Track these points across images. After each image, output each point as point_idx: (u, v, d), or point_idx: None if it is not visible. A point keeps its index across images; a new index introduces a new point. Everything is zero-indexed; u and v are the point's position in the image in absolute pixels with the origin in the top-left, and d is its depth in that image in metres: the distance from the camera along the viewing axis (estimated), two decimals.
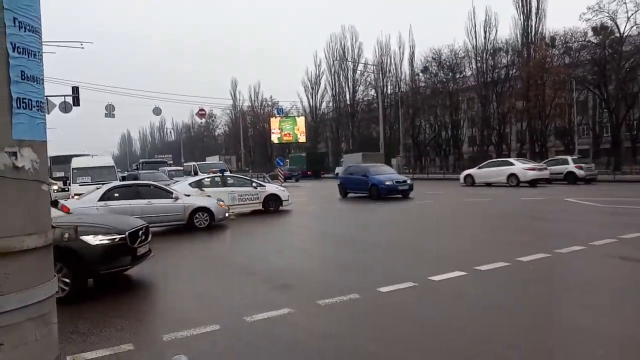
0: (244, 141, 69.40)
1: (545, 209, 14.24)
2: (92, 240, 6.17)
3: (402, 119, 52.52)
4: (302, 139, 62.85)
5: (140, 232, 6.88)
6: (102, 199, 11.99)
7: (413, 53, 57.28)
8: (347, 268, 7.58)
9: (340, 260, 8.32)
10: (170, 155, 66.10)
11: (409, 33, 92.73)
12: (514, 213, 13.77)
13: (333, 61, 64.22)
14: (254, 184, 16.67)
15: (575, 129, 38.30)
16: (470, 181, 26.71)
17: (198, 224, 12.76)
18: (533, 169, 24.67)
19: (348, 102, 64.94)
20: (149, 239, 7.22)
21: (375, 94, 57.09)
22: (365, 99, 62.17)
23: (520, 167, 24.75)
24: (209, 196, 14.12)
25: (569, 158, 26.90)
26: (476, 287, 6.07)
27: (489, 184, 25.56)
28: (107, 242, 6.27)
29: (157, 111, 44.87)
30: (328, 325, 4.87)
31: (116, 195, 12.27)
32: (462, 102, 52.49)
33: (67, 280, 5.88)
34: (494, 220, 12.60)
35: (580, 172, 25.13)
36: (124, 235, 6.46)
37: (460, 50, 49.40)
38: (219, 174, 17.72)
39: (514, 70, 46.94)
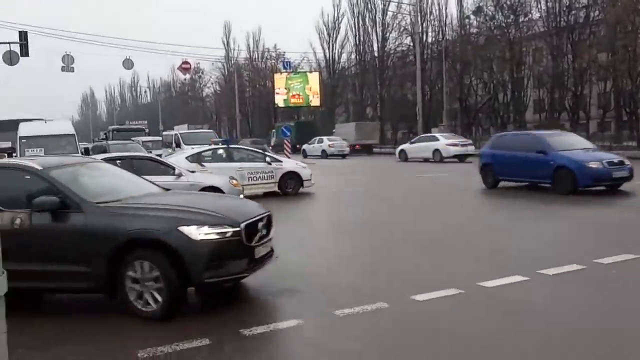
0: (240, 104, 69.47)
1: (630, 194, 14.08)
2: (196, 233, 5.51)
3: (446, 77, 51.95)
4: (315, 101, 62.73)
5: (260, 224, 6.14)
6: None
7: None
8: (376, 268, 7.62)
9: (366, 258, 8.36)
10: (145, 122, 66.43)
11: None
12: (590, 200, 13.64)
13: None
14: (267, 159, 16.81)
15: None
16: (404, 157, 33.24)
17: None
18: (455, 145, 30.83)
19: (376, 54, 64.40)
20: (272, 233, 6.51)
21: (411, 43, 56.43)
22: (398, 49, 61.53)
23: (444, 142, 30.78)
24: (210, 173, 14.40)
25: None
26: (541, 297, 6.07)
27: (426, 160, 31.07)
28: (215, 237, 5.57)
29: (128, 64, 45.09)
30: (345, 341, 4.92)
31: None
32: (527, 55, 51.65)
33: (160, 287, 5.40)
34: (564, 208, 12.51)
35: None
36: (238, 229, 5.71)
37: None
38: (223, 146, 17.90)
39: (597, 12, 45.93)
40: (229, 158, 16.60)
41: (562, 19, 47.45)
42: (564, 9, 47.50)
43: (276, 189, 16.38)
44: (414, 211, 13.58)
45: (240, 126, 71.75)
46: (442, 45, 53.62)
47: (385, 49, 62.76)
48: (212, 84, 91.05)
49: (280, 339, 5.00)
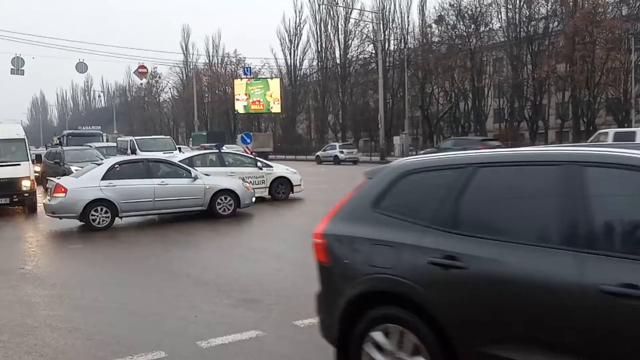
0: (198, 110, 68.90)
1: None
2: None
3: (408, 85, 52.64)
4: (276, 108, 62.75)
5: None
6: (106, 177, 12.48)
7: None
8: None
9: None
10: (99, 127, 65.21)
11: None
12: None
13: (319, 5, 63.96)
14: (258, 164, 17.16)
15: (633, 101, 38.85)
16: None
17: (221, 211, 13.42)
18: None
19: (338, 61, 64.87)
20: None
21: (374, 51, 57.06)
22: (360, 57, 62.13)
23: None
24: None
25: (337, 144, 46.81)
26: None
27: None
28: None
29: (81, 67, 44.36)
30: (306, 352, 4.92)
31: (123, 173, 12.86)
32: (488, 64, 52.73)
33: None
34: None
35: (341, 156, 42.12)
36: None
37: None
38: (214, 150, 18.24)
39: (556, 24, 47.29)
40: (220, 163, 16.72)
41: (522, 30, 48.72)
42: (524, 19, 48.79)
43: (267, 194, 16.65)
44: None
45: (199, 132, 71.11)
46: (404, 54, 54.32)
47: (348, 56, 63.31)
48: (169, 89, 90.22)
49: (239, 351, 4.96)
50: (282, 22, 76.11)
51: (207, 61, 79.88)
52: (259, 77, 66.22)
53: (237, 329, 5.41)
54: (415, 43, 57.34)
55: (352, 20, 61.72)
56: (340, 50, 64.35)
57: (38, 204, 15.25)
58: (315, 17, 65.55)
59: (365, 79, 60.63)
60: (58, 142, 41.25)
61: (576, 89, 42.62)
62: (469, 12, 49.65)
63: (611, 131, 27.02)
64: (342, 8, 62.31)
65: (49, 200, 12.48)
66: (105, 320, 6.02)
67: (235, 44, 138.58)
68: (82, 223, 12.38)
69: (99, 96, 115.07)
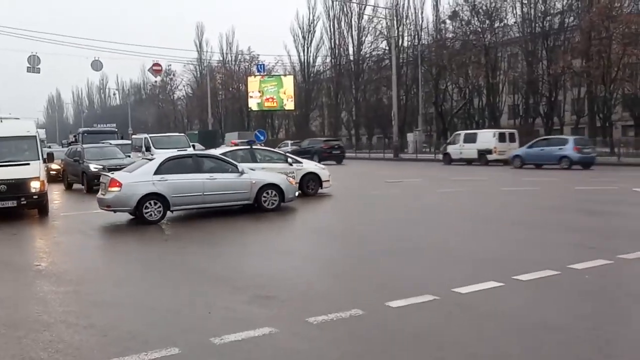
0: (212, 107, 69.14)
1: (603, 200, 14.39)
2: None
3: (422, 81, 52.45)
4: (289, 105, 62.81)
5: None
6: (158, 172, 13.00)
7: None
8: (350, 273, 7.64)
9: (338, 263, 8.40)
10: (114, 125, 65.63)
11: None
12: (562, 205, 13.90)
13: (333, 2, 63.99)
14: (289, 160, 17.73)
15: None
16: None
17: (267, 205, 13.94)
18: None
19: (351, 58, 64.79)
20: None
21: (387, 48, 56.86)
22: (374, 53, 62.04)
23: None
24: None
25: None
26: (515, 303, 6.14)
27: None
28: None
29: (96, 65, 44.63)
30: (319, 349, 4.92)
31: (174, 167, 13.33)
32: (502, 60, 52.44)
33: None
34: (539, 213, 12.73)
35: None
36: None
37: None
38: (247, 147, 18.71)
39: (571, 19, 46.85)
40: (253, 158, 17.22)
41: (537, 25, 48.31)
42: (539, 14, 48.37)
43: (297, 189, 16.87)
44: (396, 216, 13.67)
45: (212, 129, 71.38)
46: (417, 50, 54.14)
47: (361, 52, 63.26)
48: (183, 86, 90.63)
49: (253, 348, 4.97)
50: (296, 19, 76.06)
51: (221, 58, 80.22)
52: (272, 74, 66.32)
53: (250, 325, 5.42)
54: (429, 39, 57.19)
55: (365, 17, 61.73)
56: (353, 47, 64.37)
57: (51, 205, 14.93)
58: (329, 14, 65.63)
59: (378, 75, 60.54)
60: (74, 139, 41.52)
61: (592, 85, 42.22)
62: (484, 8, 49.41)
63: (462, 132, 36.59)
64: (355, 4, 62.21)
65: (103, 194, 12.86)
66: (120, 316, 6.06)
67: (248, 42, 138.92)
68: (106, 219, 12.45)
69: (114, 94, 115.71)
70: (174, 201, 12.91)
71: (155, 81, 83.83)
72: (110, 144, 28.03)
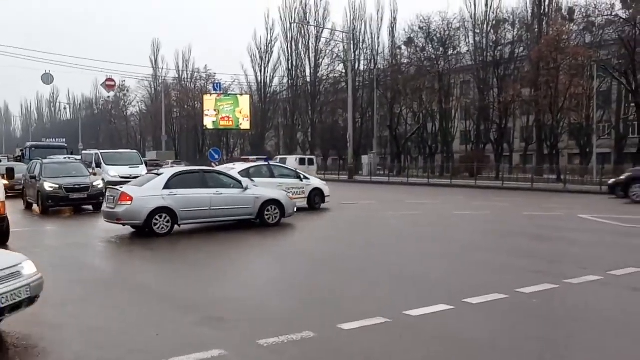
0: (166, 125, 68.34)
1: (550, 226, 14.78)
2: None
3: (377, 105, 53.13)
4: (245, 124, 62.60)
5: None
6: (167, 186, 13.38)
7: (395, 19, 58.38)
8: (305, 296, 7.59)
9: (297, 285, 8.34)
10: (64, 140, 64.05)
11: None
12: (511, 230, 14.21)
13: (290, 24, 64.50)
14: (300, 176, 19.32)
15: (595, 126, 39.82)
16: None
17: (269, 220, 14.56)
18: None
19: (308, 79, 65.24)
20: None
21: (344, 71, 57.55)
22: (330, 75, 62.64)
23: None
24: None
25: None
26: (465, 325, 6.21)
27: None
28: None
29: (47, 79, 43.70)
30: None
31: (182, 182, 13.77)
32: (455, 87, 53.70)
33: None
34: (489, 238, 12.97)
35: None
36: None
37: (455, 19, 50.83)
38: (264, 163, 20.08)
39: (521, 49, 48.47)
40: (271, 174, 18.72)
41: (488, 54, 49.76)
42: (491, 44, 49.88)
43: (306, 204, 18.56)
44: (350, 234, 13.70)
45: (166, 147, 70.47)
46: (373, 74, 54.93)
47: (318, 74, 63.74)
48: (137, 102, 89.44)
49: None
50: (254, 39, 76.48)
51: (177, 76, 79.66)
52: (228, 93, 66.12)
53: (200, 347, 5.31)
54: (384, 64, 58.17)
55: (323, 40, 62.43)
56: (310, 69, 64.86)
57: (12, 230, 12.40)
58: (287, 35, 66.07)
59: (335, 97, 61.10)
60: (21, 154, 40.19)
61: (540, 114, 43.54)
62: (438, 36, 50.66)
63: (278, 157, 40.42)
64: (313, 27, 62.90)
65: (112, 207, 13.09)
66: (64, 339, 5.87)
67: (205, 60, 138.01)
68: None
69: (65, 108, 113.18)
70: (182, 215, 13.30)
71: (108, 96, 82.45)
72: (77, 159, 26.96)
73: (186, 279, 8.99)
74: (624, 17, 38.72)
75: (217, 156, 35.67)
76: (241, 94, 65.48)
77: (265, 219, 14.42)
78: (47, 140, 70.16)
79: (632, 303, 7.27)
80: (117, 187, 13.83)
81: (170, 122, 75.74)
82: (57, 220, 17.38)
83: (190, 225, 14.06)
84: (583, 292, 7.63)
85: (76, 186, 18.58)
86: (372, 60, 59.51)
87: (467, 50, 52.90)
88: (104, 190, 18.10)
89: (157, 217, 12.92)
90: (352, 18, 60.25)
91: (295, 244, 13.18)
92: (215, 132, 68.58)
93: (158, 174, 14.33)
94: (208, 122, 62.85)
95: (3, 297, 5.29)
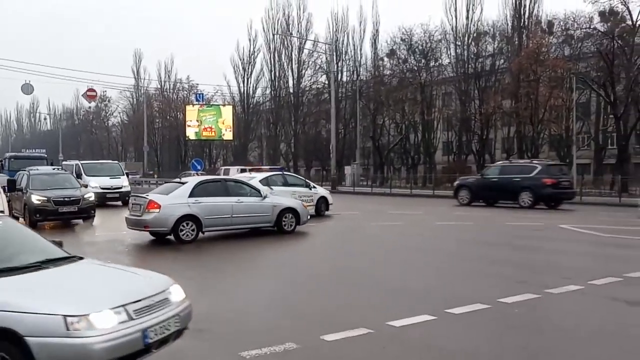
0: (148, 135, 67.94)
1: (531, 236, 14.90)
2: None
3: (360, 116, 53.37)
4: (227, 135, 62.44)
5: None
6: (192, 194, 13.88)
7: (377, 31, 58.69)
8: (289, 307, 7.56)
9: (281, 297, 8.30)
10: (44, 150, 63.33)
11: (373, 6, 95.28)
12: (494, 241, 14.30)
13: (273, 35, 64.56)
14: (310, 185, 20.85)
15: (574, 138, 40.35)
16: None
17: (286, 227, 15.21)
18: None
19: (291, 90, 65.30)
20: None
21: (327, 81, 57.76)
22: (313, 87, 62.84)
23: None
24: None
25: None
26: (448, 335, 6.23)
27: None
28: None
29: (27, 89, 43.29)
30: None
31: (205, 191, 14.25)
32: (437, 98, 54.12)
33: None
34: (472, 248, 13.04)
35: None
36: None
37: (437, 31, 51.20)
38: (279, 173, 21.55)
39: (502, 61, 49.10)
40: (285, 183, 20.11)
41: (470, 66, 50.30)
42: (472, 56, 50.44)
43: (314, 211, 19.48)
44: (335, 246, 13.69)
45: (148, 158, 70.09)
46: (356, 85, 55.17)
47: (301, 85, 63.83)
48: (119, 113, 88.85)
49: None
50: (236, 50, 76.13)
51: (159, 86, 79.27)
52: (211, 103, 65.96)
53: None
54: (367, 75, 58.46)
55: (305, 51, 62.60)
56: (293, 80, 64.92)
57: None
58: (269, 47, 66.08)
59: (318, 108, 61.25)
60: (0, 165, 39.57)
61: (521, 125, 44.05)
62: (420, 47, 51.07)
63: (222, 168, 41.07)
64: (295, 38, 63.08)
65: (139, 215, 13.58)
66: None
67: (188, 70, 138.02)
68: None
69: (45, 119, 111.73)
70: (206, 223, 13.81)
71: (89, 107, 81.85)
72: (66, 170, 25.10)
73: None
74: (602, 30, 39.34)
75: (199, 167, 35.61)
76: (224, 105, 65.26)
77: (282, 227, 15.04)
78: (27, 150, 69.31)
79: (611, 313, 7.35)
80: (144, 195, 14.27)
81: (152, 133, 75.27)
82: (53, 233, 17.09)
83: (213, 232, 14.55)
84: (564, 302, 7.70)
85: (66, 199, 17.48)
86: (355, 72, 59.82)
87: (449, 62, 53.41)
88: (95, 203, 18.75)
89: (183, 224, 13.42)
90: (334, 29, 60.58)
91: (285, 257, 13.17)
92: (197, 142, 68.26)
93: (182, 183, 14.91)
94: (190, 133, 62.58)
95: (152, 331, 4.51)
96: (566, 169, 29.31)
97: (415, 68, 51.94)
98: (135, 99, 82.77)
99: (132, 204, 14.34)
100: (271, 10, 65.27)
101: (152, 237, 14.19)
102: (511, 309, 7.23)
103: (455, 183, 28.26)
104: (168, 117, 76.61)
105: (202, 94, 66.08)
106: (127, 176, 29.20)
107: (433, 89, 52.72)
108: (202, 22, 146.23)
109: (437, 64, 52.84)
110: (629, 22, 38.38)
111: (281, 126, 66.99)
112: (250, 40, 68.61)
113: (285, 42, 64.73)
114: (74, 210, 17.60)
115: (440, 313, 6.86)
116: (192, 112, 62.10)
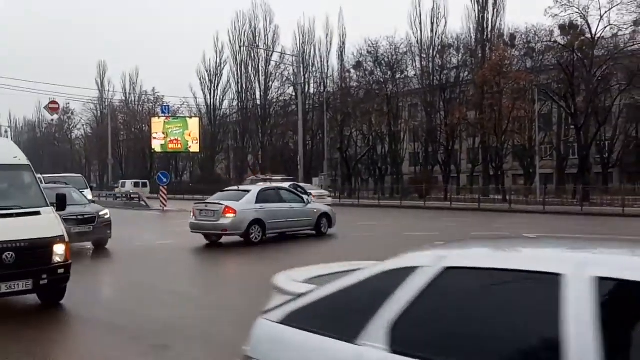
0: (113, 148, 66.99)
1: None
2: None
3: (327, 127, 53.52)
4: (194, 147, 61.80)
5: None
6: (257, 201, 15.46)
7: (344, 43, 59.04)
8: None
9: (246, 307, 8.20)
10: None
11: (339, 18, 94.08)
12: None
13: (240, 47, 64.43)
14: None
15: (537, 148, 41.16)
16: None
17: (322, 230, 17.11)
18: None
19: (258, 102, 65.20)
20: None
21: (294, 93, 57.84)
22: (280, 98, 62.80)
23: None
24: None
25: None
26: None
27: None
28: None
29: None
30: None
31: (265, 198, 15.88)
32: (404, 110, 54.66)
33: None
34: None
35: None
36: None
37: (402, 44, 51.81)
38: (292, 183, 23.54)
39: (466, 73, 49.91)
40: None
41: (435, 78, 50.97)
42: (437, 68, 51.15)
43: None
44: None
45: (113, 171, 69.02)
46: (323, 97, 55.28)
47: (268, 97, 63.76)
48: (82, 125, 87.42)
49: None
50: (203, 62, 75.19)
51: (124, 98, 78.35)
52: (177, 115, 65.34)
53: None
54: (334, 87, 58.70)
55: (272, 63, 62.51)
56: (260, 92, 64.81)
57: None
58: (236, 58, 65.90)
59: (285, 120, 61.18)
60: None
61: (485, 136, 44.75)
62: (386, 60, 51.57)
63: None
64: (262, 50, 63.07)
65: (215, 220, 14.93)
66: None
67: (153, 82, 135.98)
68: None
69: (6, 131, 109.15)
70: (268, 226, 15.42)
71: (52, 120, 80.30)
72: (67, 184, 21.05)
73: (133, 306, 8.73)
74: (562, 44, 40.32)
75: (165, 180, 35.16)
76: (190, 117, 64.69)
77: (320, 230, 16.98)
78: None
79: None
80: (218, 202, 15.50)
81: (116, 145, 74.23)
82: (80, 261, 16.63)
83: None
84: None
85: (78, 217, 13.49)
86: (322, 84, 59.99)
87: (415, 74, 54.02)
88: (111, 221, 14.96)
89: (252, 227, 14.96)
90: (301, 42, 60.73)
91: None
92: (163, 155, 67.43)
93: (246, 191, 16.55)
94: (156, 145, 61.72)
95: None
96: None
97: (382, 80, 52.42)
98: (99, 112, 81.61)
99: (205, 210, 15.43)
100: (238, 22, 65.21)
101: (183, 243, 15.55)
102: None
103: None
104: (133, 130, 75.66)
105: (168, 106, 65.33)
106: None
107: (399, 101, 53.20)
108: (168, 34, 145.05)
109: (403, 76, 53.36)
110: (588, 35, 39.42)
111: (248, 138, 66.74)
112: (217, 51, 68.37)
113: (252, 54, 64.72)
114: (89, 230, 13.79)
115: None
116: (157, 125, 61.29)
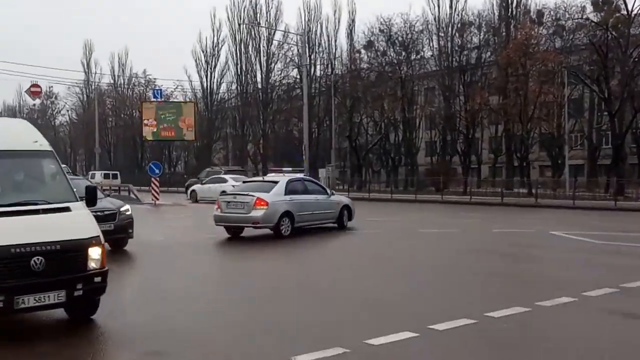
0: (100, 135, 67.12)
1: (520, 244, 15.06)
2: None
3: (335, 113, 53.37)
4: (189, 135, 61.78)
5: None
6: (286, 192, 16.26)
7: (353, 21, 58.96)
8: (258, 323, 7.50)
9: (243, 314, 8.23)
10: None
11: None
12: (479, 249, 14.40)
13: (239, 25, 64.36)
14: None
15: (566, 137, 40.89)
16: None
17: (344, 222, 18.14)
18: None
19: (259, 86, 65.14)
20: None
21: (298, 76, 57.70)
22: (284, 82, 62.71)
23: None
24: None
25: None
26: (431, 354, 6.24)
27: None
28: None
29: None
30: None
31: (293, 189, 16.70)
32: (419, 94, 54.40)
33: None
34: (456, 257, 13.11)
35: None
36: None
37: (418, 21, 51.56)
38: (302, 175, 24.28)
39: (488, 54, 49.61)
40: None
41: (454, 59, 50.67)
42: (456, 48, 50.86)
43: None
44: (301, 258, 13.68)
45: (100, 160, 69.15)
46: (331, 80, 55.08)
47: (270, 80, 63.65)
48: (67, 111, 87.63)
49: None
50: (198, 42, 74.85)
51: (112, 81, 78.52)
52: (171, 100, 65.32)
53: None
54: (343, 69, 58.50)
55: (275, 42, 62.53)
56: (262, 74, 64.76)
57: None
58: (235, 38, 65.84)
59: (288, 105, 61.08)
60: None
61: (509, 123, 44.47)
62: (400, 39, 51.20)
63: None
64: (264, 29, 62.93)
65: (246, 212, 15.56)
66: None
67: (144, 64, 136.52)
68: None
69: None
70: (297, 219, 16.14)
71: (34, 104, 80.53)
72: (77, 176, 20.06)
73: (128, 310, 8.78)
74: (595, 21, 39.96)
75: (157, 171, 35.22)
76: (185, 102, 64.68)
77: (342, 222, 17.97)
78: None
79: (608, 327, 7.40)
80: (248, 193, 16.06)
81: (104, 133, 74.45)
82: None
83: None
84: (556, 316, 7.75)
85: (98, 213, 11.31)
86: (329, 65, 59.84)
87: (431, 55, 53.81)
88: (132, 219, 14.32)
89: (282, 220, 15.68)
90: (306, 19, 60.57)
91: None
92: (156, 143, 67.50)
93: (274, 182, 17.01)
94: (147, 133, 61.68)
95: None
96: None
97: (395, 61, 52.09)
98: (85, 96, 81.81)
99: (235, 202, 15.96)
100: None
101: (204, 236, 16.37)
102: (500, 324, 7.25)
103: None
104: (122, 116, 75.84)
105: (161, 89, 65.31)
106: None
107: (414, 84, 52.96)
108: (160, 10, 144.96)
109: (418, 56, 53.13)
110: (624, 12, 39.04)
111: (248, 125, 66.70)
112: (214, 30, 68.33)
113: (253, 33, 64.60)
114: (110, 229, 12.76)
115: (422, 330, 6.84)
116: (149, 110, 61.18)
